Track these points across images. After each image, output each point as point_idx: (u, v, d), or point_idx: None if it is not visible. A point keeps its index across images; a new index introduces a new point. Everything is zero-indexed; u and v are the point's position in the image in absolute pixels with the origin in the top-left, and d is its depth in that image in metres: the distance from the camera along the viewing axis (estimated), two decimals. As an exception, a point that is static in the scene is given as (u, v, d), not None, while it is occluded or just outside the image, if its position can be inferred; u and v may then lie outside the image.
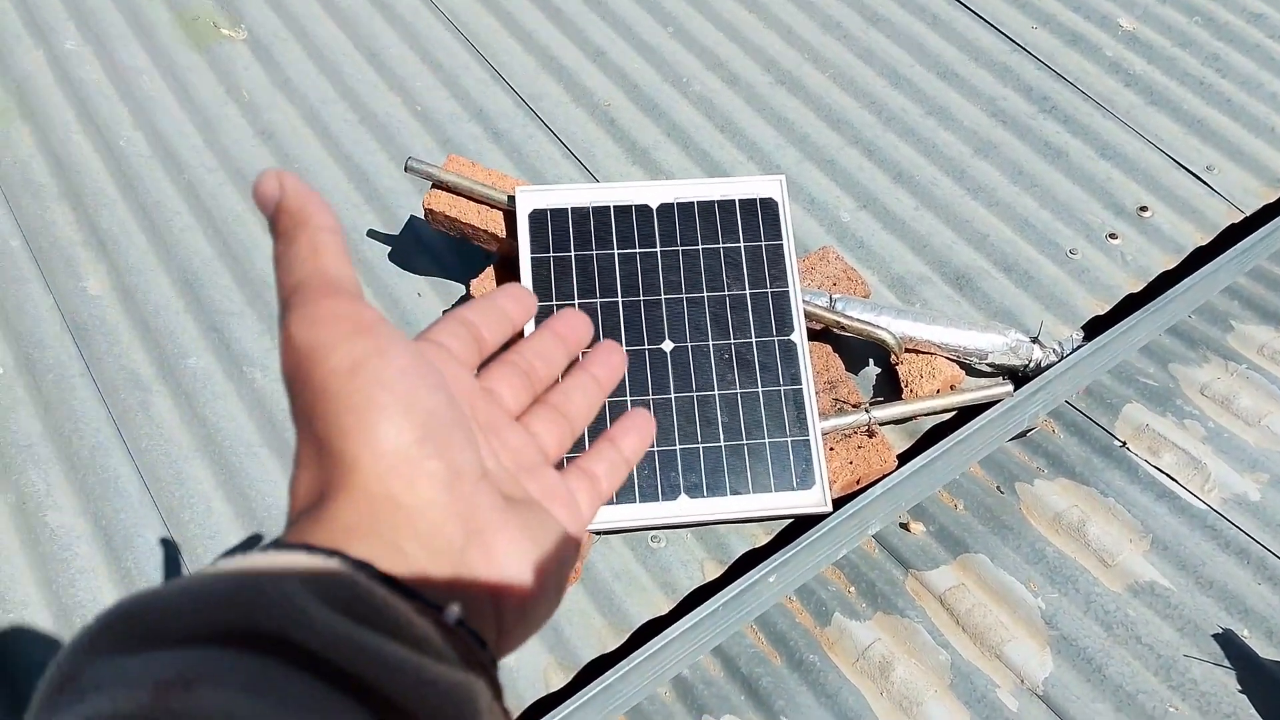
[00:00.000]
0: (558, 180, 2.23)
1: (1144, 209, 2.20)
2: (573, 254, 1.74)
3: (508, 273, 1.88)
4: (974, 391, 1.83)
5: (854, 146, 2.32)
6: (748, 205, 1.80)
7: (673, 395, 1.69)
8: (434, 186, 1.85)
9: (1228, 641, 1.84)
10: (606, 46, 2.51)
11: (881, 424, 1.78)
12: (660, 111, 2.37)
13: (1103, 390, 2.14)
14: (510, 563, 0.47)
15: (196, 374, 1.98)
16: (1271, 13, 2.58)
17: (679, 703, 1.83)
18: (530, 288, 1.73)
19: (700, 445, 1.67)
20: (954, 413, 1.90)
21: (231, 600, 0.36)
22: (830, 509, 1.69)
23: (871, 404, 1.79)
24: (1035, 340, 1.90)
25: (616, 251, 1.75)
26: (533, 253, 1.74)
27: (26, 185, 2.26)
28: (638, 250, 1.75)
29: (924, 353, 1.88)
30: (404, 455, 0.44)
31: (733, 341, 1.72)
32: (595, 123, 2.37)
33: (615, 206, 1.77)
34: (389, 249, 2.16)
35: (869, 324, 1.79)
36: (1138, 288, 2.09)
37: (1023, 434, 2.05)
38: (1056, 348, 1.92)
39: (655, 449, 1.66)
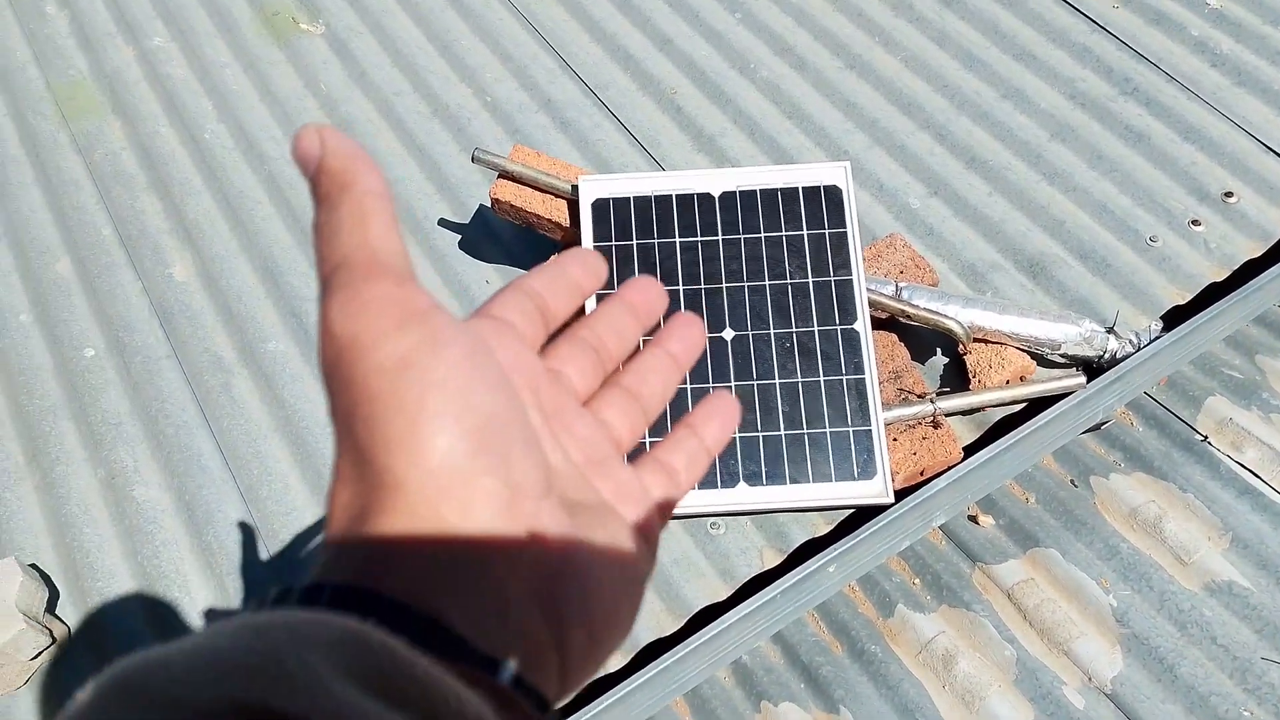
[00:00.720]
0: (624, 169, 2.24)
1: (1229, 194, 2.11)
2: (634, 242, 1.76)
3: (572, 260, 1.90)
4: (1045, 383, 1.79)
5: (925, 131, 2.28)
6: (811, 193, 1.79)
7: (733, 383, 1.70)
8: (500, 176, 1.88)
9: (1312, 645, 1.77)
10: (673, 34, 2.51)
11: (947, 415, 1.75)
12: (726, 98, 2.37)
13: (1184, 382, 2.07)
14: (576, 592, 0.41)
15: (276, 357, 2.05)
16: (1376, -14, 2.44)
17: (738, 688, 1.83)
18: (593, 275, 1.75)
19: (760, 434, 1.67)
20: (1024, 405, 1.86)
21: (243, 672, 0.31)
22: (892, 500, 1.67)
23: (937, 394, 1.76)
24: (1111, 331, 1.84)
25: (678, 239, 1.76)
26: (595, 240, 1.76)
27: (117, 176, 2.37)
28: (699, 238, 1.76)
29: (993, 343, 1.84)
30: (457, 472, 0.38)
31: (795, 330, 1.72)
32: (661, 111, 2.37)
33: (677, 195, 1.78)
34: (459, 237, 2.20)
35: (936, 313, 1.76)
36: (1221, 276, 2.01)
37: (1097, 426, 1.99)
38: (1133, 338, 1.87)
39: (715, 436, 1.67)
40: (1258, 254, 2.04)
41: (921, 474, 1.74)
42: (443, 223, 2.23)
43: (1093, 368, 1.90)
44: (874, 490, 1.67)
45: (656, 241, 1.75)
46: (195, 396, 2.02)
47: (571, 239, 1.88)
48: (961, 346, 1.84)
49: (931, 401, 1.73)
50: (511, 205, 1.86)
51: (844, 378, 1.70)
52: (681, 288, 1.74)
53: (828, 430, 1.68)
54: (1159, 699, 1.75)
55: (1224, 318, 1.96)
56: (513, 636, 0.39)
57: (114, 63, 2.56)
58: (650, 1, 2.58)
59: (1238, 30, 2.37)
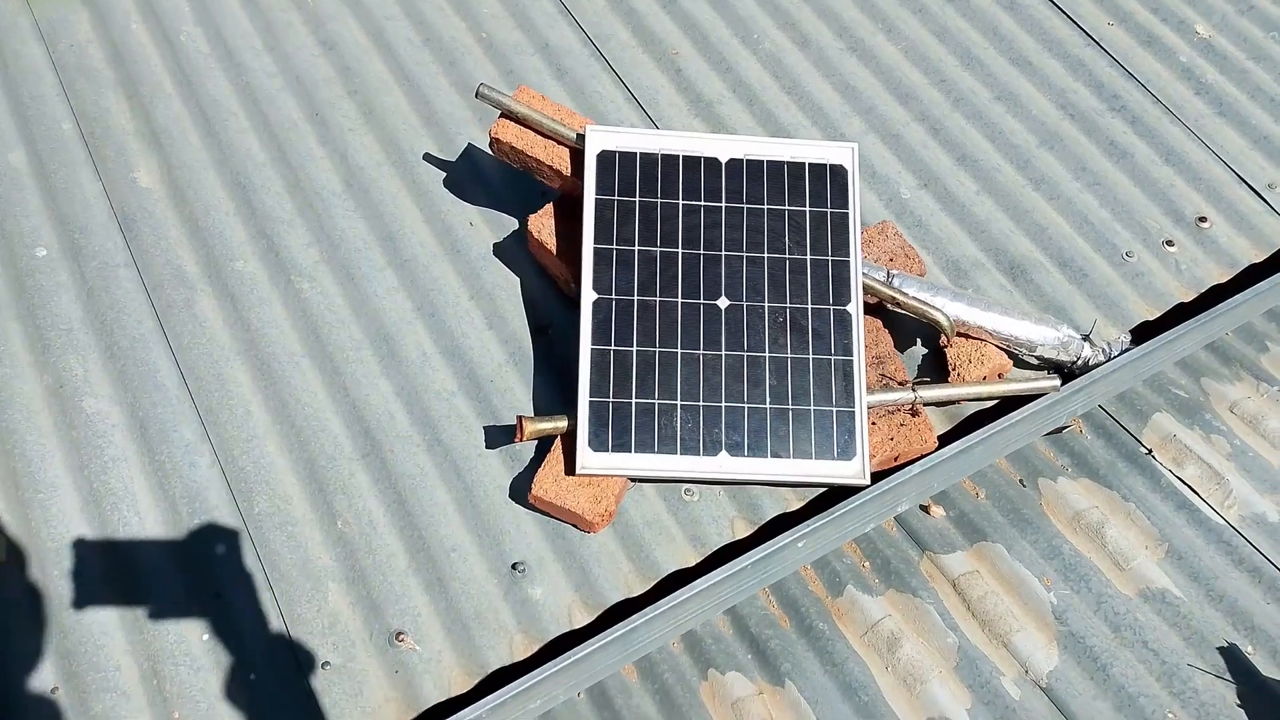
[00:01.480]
0: (619, 124, 2.21)
1: (1203, 219, 2.18)
2: (637, 199, 1.73)
3: (567, 211, 1.86)
4: (1021, 383, 1.83)
5: (920, 123, 2.29)
6: (817, 170, 1.78)
7: (723, 352, 1.69)
8: (502, 116, 1.83)
9: (1232, 656, 1.87)
10: (678, -6, 2.47)
11: (926, 404, 1.78)
12: (728, 65, 2.34)
13: (1134, 396, 2.14)
14: None
15: (243, 278, 1.97)
16: (1351, 36, 2.54)
17: (686, 655, 1.85)
18: (593, 228, 1.72)
19: (746, 405, 1.68)
20: (996, 402, 1.91)
21: None
22: (868, 482, 1.69)
23: (917, 383, 1.79)
24: (1086, 338, 1.89)
25: (681, 202, 1.74)
26: (598, 193, 1.72)
27: (82, 70, 2.23)
28: (702, 203, 1.74)
29: (974, 338, 1.87)
30: None
31: (789, 305, 1.72)
32: (661, 70, 2.33)
33: (685, 156, 1.76)
34: (444, 174, 2.14)
35: (925, 303, 1.78)
36: (1189, 297, 2.08)
37: (1057, 431, 2.06)
38: (1105, 347, 1.92)
39: (701, 403, 1.67)
40: (1224, 280, 2.11)
41: (896, 459, 1.77)
42: (428, 157, 2.16)
43: (1064, 372, 1.95)
44: (852, 471, 1.69)
45: (660, 201, 1.73)
46: (154, 310, 1.92)
47: (570, 189, 1.84)
48: (944, 339, 1.87)
49: (913, 389, 1.75)
50: (512, 147, 1.81)
51: (832, 358, 1.71)
52: (680, 251, 1.72)
53: (812, 408, 1.69)
54: (1090, 696, 1.82)
55: (1188, 339, 2.03)
56: None
57: (85, -53, 2.40)
58: (657, -43, 2.53)
59: (1223, 62, 2.45)
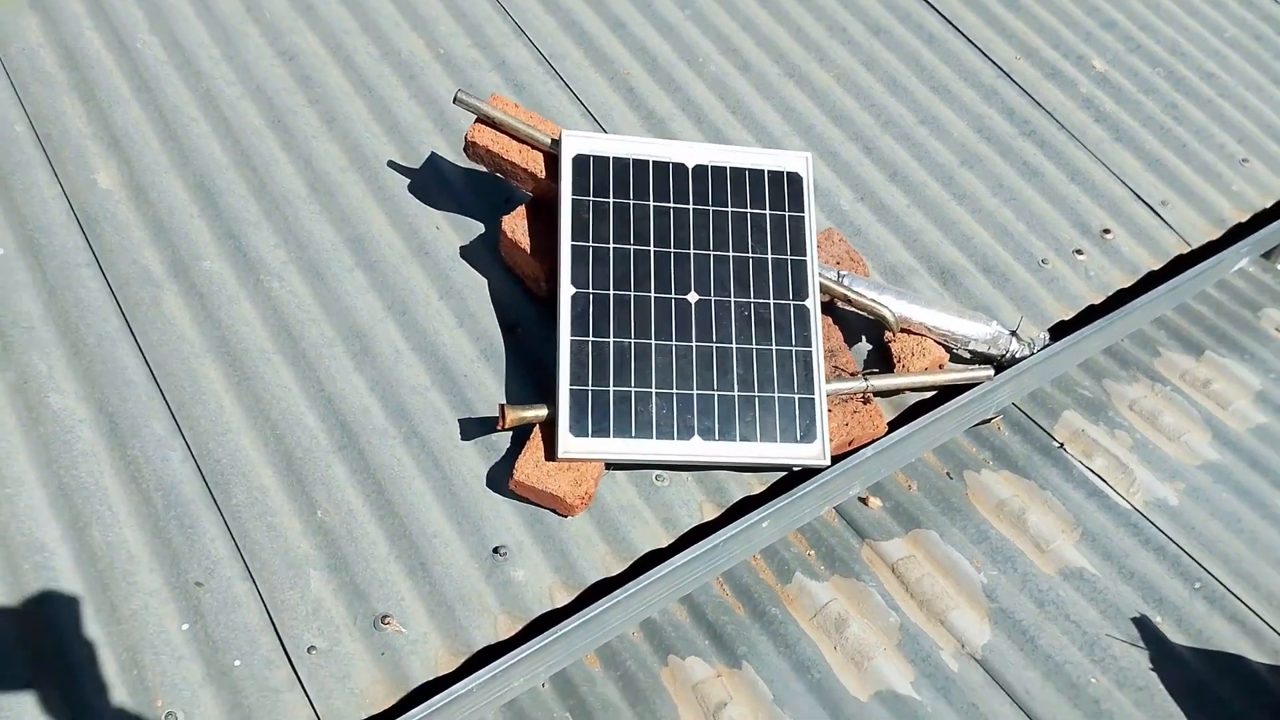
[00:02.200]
0: (576, 137, 2.31)
1: (1107, 231, 2.41)
2: (611, 200, 1.83)
3: (541, 212, 1.95)
4: (960, 373, 1.99)
5: (854, 142, 2.47)
6: (775, 177, 1.92)
7: (694, 343, 1.80)
8: (478, 121, 1.91)
9: (1144, 626, 2.05)
10: (626, 19, 2.60)
11: (876, 393, 1.92)
12: (676, 86, 2.48)
13: (1044, 396, 2.35)
14: None
15: (211, 277, 1.98)
16: (1221, 73, 2.85)
17: (647, 643, 1.93)
18: (569, 226, 1.81)
19: (716, 393, 1.78)
20: (934, 393, 2.06)
21: None
22: (829, 463, 1.82)
23: (868, 374, 1.93)
24: (1014, 334, 2.07)
25: (652, 203, 1.85)
26: (574, 194, 1.82)
27: (35, 74, 2.21)
28: (672, 205, 1.85)
29: (915, 334, 2.03)
30: None
31: (753, 300, 1.84)
32: (614, 89, 2.45)
33: (654, 161, 1.87)
34: (408, 180, 2.20)
35: (874, 300, 1.93)
36: (1099, 299, 2.30)
37: (985, 421, 2.23)
38: (1031, 342, 2.11)
39: (675, 391, 1.77)
40: (1127, 284, 2.34)
41: (850, 444, 1.90)
42: (392, 164, 2.22)
43: (994, 364, 2.12)
44: (813, 453, 1.81)
45: (632, 202, 1.83)
46: (119, 308, 1.92)
47: (544, 191, 1.93)
48: (889, 334, 2.02)
49: (865, 379, 1.89)
50: (488, 150, 1.90)
51: (793, 349, 1.84)
52: (652, 249, 1.83)
53: (776, 395, 1.81)
54: (1022, 666, 1.97)
55: (1102, 335, 2.24)
56: None
57: (34, -48, 2.39)
58: (604, -16, 2.67)
59: (1118, 94, 2.71)
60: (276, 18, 2.42)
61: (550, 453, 1.73)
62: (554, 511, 1.79)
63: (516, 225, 1.92)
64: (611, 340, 1.75)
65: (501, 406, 1.74)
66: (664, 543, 1.81)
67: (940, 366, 2.02)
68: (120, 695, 1.52)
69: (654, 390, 1.75)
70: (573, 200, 1.82)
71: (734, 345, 1.81)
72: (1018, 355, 2.09)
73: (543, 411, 1.75)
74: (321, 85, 2.32)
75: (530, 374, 1.94)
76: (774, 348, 1.82)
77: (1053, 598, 2.09)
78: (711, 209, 1.87)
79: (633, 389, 1.74)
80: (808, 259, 1.88)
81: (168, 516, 1.70)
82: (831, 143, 2.46)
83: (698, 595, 1.97)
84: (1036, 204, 2.44)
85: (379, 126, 2.28)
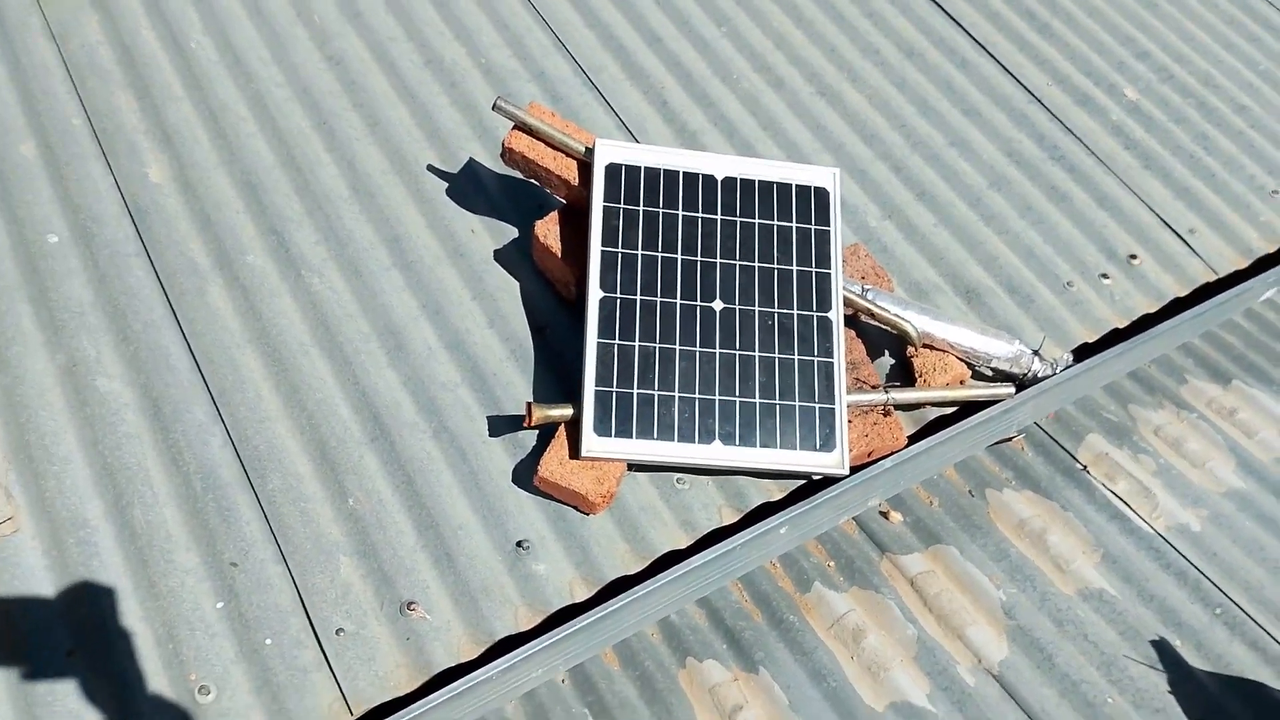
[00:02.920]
0: (611, 148, 2.37)
1: (1134, 257, 2.43)
2: (641, 208, 1.88)
3: (572, 218, 2.00)
4: (981, 388, 2.02)
5: (884, 161, 2.51)
6: (803, 191, 1.96)
7: (718, 350, 1.84)
8: (515, 128, 1.97)
9: (1162, 648, 2.06)
10: (663, 34, 2.66)
11: (897, 406, 1.95)
12: (710, 101, 2.53)
13: (1068, 418, 2.36)
14: None
15: (254, 271, 2.05)
16: (1254, 105, 2.87)
17: (665, 644, 1.96)
18: (600, 233, 1.86)
19: (738, 399, 1.82)
20: (956, 409, 2.09)
21: None
22: (847, 472, 1.85)
23: (889, 386, 1.96)
24: (1036, 353, 2.10)
25: (681, 213, 1.90)
26: (605, 201, 1.87)
27: (93, 69, 2.30)
28: (700, 215, 1.90)
29: (938, 349, 2.06)
30: None
31: (777, 311, 1.88)
32: (649, 102, 2.51)
33: (685, 172, 1.92)
34: (446, 184, 2.26)
35: (897, 315, 1.97)
36: (1123, 324, 2.32)
37: (1005, 440, 2.25)
38: (1053, 362, 2.13)
39: (697, 396, 1.81)
40: (1153, 310, 2.36)
41: (869, 455, 1.93)
42: (431, 169, 2.28)
43: (1015, 383, 2.15)
44: (832, 462, 1.84)
45: (662, 211, 1.88)
46: (166, 297, 1.99)
47: (577, 198, 1.98)
48: (911, 349, 2.05)
49: (886, 391, 1.93)
50: (523, 156, 1.95)
51: (815, 359, 1.88)
52: (680, 257, 1.87)
53: (797, 404, 1.84)
54: (1038, 683, 1.99)
55: (1126, 358, 2.25)
56: None
57: (98, -45, 2.49)
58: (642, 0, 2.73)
59: (1148, 122, 2.74)
60: (325, 23, 2.51)
61: (574, 451, 1.78)
62: (576, 509, 1.84)
63: (549, 230, 1.98)
64: (637, 344, 1.80)
65: (528, 405, 1.79)
66: (683, 544, 1.84)
67: (962, 383, 2.05)
68: (155, 668, 1.58)
69: (677, 394, 1.79)
70: (604, 207, 1.87)
71: (757, 353, 1.85)
72: (1040, 375, 2.11)
73: (568, 411, 1.80)
74: (366, 90, 2.40)
75: (557, 375, 1.99)
76: (796, 357, 1.86)
77: (1071, 617, 2.10)
78: (739, 220, 1.91)
79: (656, 392, 1.78)
80: (832, 272, 1.92)
81: (206, 499, 1.76)
82: (861, 161, 2.50)
83: (717, 600, 2.00)
84: (1063, 228, 2.46)
85: (420, 132, 2.35)
